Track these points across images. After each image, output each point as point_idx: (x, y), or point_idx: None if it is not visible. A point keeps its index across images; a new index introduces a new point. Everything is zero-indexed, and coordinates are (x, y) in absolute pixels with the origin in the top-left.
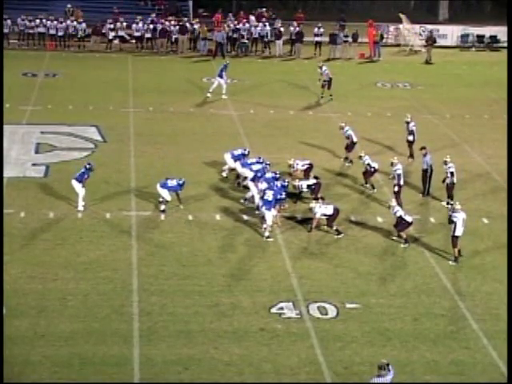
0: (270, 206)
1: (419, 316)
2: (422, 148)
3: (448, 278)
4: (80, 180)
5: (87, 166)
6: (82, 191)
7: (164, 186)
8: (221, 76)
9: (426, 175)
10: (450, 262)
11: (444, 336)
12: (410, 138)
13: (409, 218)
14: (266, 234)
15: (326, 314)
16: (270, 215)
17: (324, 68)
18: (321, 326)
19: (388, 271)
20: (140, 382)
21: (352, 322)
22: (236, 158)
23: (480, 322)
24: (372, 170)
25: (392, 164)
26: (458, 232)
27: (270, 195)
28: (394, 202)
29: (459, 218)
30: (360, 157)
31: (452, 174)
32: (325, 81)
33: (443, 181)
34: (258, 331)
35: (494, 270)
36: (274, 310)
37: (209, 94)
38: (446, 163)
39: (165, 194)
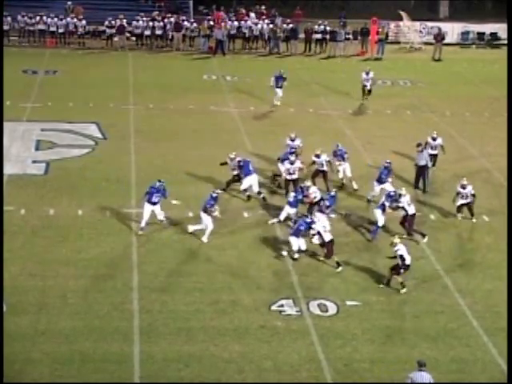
0: (296, 232)
1: (419, 313)
2: (419, 145)
3: (448, 275)
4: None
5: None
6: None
7: (154, 204)
8: (279, 86)
9: (424, 171)
10: (401, 290)
11: (444, 333)
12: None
13: (408, 260)
14: (296, 255)
15: (327, 312)
16: (294, 240)
17: (371, 74)
18: (321, 324)
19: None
20: (140, 382)
21: (352, 320)
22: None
23: (480, 319)
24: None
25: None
26: (408, 261)
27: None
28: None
29: (401, 249)
30: (317, 155)
31: (474, 195)
32: (365, 86)
33: (453, 200)
34: (258, 328)
35: (494, 267)
36: (274, 308)
37: (277, 102)
38: (464, 187)
39: (157, 211)
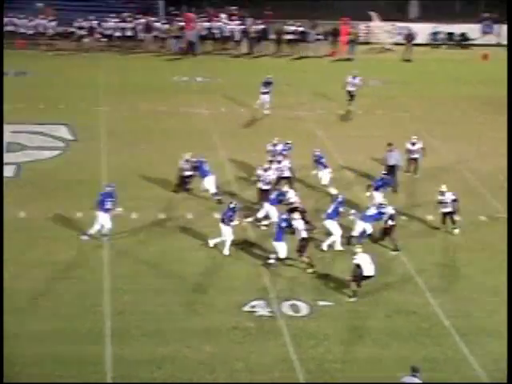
0: (278, 236)
1: (391, 313)
2: (389, 144)
3: (420, 275)
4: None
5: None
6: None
7: (107, 210)
8: (266, 92)
9: (394, 171)
10: (348, 299)
11: (416, 333)
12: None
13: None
14: (272, 261)
15: (299, 312)
16: (280, 246)
17: (357, 79)
18: (293, 324)
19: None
20: (113, 382)
21: (324, 320)
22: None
23: (451, 318)
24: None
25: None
26: (367, 272)
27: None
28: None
29: (359, 258)
30: (279, 161)
31: (454, 200)
32: (350, 90)
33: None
34: (230, 329)
35: (465, 267)
36: (246, 309)
37: (266, 112)
38: (443, 194)
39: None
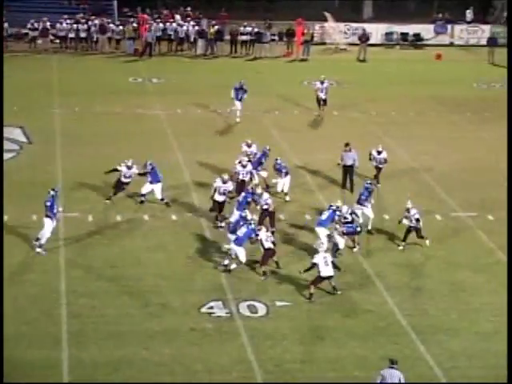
0: (241, 241)
1: (349, 313)
2: (347, 144)
3: (377, 274)
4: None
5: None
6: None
7: (55, 215)
8: (239, 99)
9: (351, 171)
10: (307, 300)
11: (373, 332)
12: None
13: (324, 272)
14: (233, 266)
15: (256, 313)
16: (242, 251)
17: (326, 83)
18: (251, 325)
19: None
20: (69, 383)
21: (282, 320)
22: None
23: (408, 317)
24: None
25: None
26: (324, 273)
27: (242, 229)
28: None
29: (317, 257)
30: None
31: (418, 220)
32: (319, 96)
33: (399, 222)
34: (188, 331)
35: (421, 265)
36: (204, 310)
37: (237, 119)
38: (408, 211)
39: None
